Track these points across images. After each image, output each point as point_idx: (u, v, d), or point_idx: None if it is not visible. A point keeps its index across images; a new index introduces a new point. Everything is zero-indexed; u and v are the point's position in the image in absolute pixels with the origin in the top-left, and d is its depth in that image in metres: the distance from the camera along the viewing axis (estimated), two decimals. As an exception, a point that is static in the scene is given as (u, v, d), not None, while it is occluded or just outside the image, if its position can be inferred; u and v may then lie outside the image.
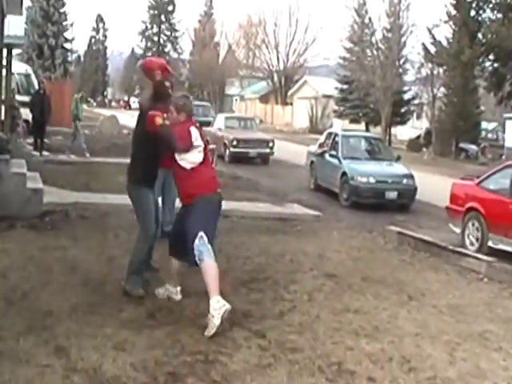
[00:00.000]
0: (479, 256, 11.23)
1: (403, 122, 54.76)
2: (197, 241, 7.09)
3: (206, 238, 7.11)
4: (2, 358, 5.78)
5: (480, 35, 41.29)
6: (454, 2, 42.44)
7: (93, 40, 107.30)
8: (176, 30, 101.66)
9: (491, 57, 41.09)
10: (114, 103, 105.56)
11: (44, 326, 6.56)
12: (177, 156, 7.34)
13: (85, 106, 25.69)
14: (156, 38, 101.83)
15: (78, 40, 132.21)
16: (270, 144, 29.14)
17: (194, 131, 7.36)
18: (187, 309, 7.46)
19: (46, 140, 24.29)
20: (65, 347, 6.10)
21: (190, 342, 6.46)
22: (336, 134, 21.54)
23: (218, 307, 6.73)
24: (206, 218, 7.31)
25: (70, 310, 7.08)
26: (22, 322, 6.61)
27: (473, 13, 41.82)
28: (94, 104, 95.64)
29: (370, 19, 51.48)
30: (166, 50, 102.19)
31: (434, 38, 45.00)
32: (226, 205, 14.08)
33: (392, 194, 18.42)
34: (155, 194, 8.50)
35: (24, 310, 7.00)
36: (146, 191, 7.98)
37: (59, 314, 6.92)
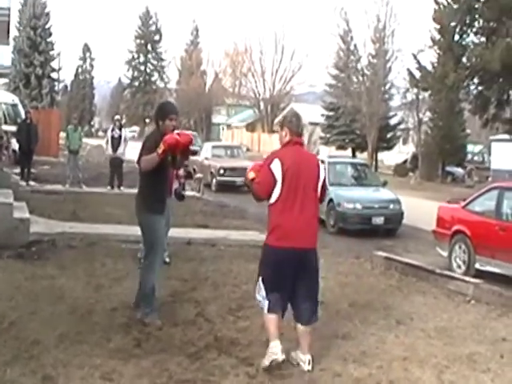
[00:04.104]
0: (466, 278, 11.27)
1: (390, 148, 55.00)
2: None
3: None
4: (-11, 388, 5.75)
5: (464, 59, 41.49)
6: (439, 27, 42.63)
7: (79, 69, 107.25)
8: (162, 60, 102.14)
9: (476, 80, 41.23)
10: (100, 132, 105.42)
11: (31, 356, 6.52)
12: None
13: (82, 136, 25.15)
14: (143, 68, 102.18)
15: (65, 69, 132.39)
16: (257, 172, 28.97)
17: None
18: (175, 337, 7.42)
19: (32, 169, 24.24)
20: (52, 377, 6.07)
21: (178, 371, 6.43)
22: (322, 161, 21.49)
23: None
24: None
25: (57, 339, 7.05)
26: (9, 352, 6.58)
27: (457, 37, 41.99)
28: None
29: (355, 46, 52.12)
30: (153, 79, 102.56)
31: (419, 63, 45.15)
32: (213, 233, 14.30)
33: (379, 220, 18.47)
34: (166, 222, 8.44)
35: (11, 339, 6.97)
36: (157, 218, 7.93)
37: (46, 344, 6.88)
